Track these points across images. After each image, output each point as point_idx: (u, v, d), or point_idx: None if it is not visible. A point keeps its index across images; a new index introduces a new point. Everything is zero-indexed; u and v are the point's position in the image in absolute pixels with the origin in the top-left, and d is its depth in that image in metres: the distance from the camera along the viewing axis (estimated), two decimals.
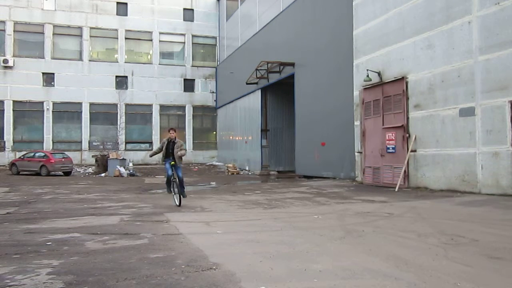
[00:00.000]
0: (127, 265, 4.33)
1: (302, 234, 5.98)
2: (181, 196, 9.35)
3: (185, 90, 34.27)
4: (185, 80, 34.34)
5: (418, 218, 7.32)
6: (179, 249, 5.06)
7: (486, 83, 10.25)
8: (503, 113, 9.85)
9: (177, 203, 9.31)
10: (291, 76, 20.57)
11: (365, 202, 9.71)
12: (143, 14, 33.32)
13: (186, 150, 9.63)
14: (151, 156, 10.56)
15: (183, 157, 9.66)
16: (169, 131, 9.72)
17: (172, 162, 9.46)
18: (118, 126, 30.25)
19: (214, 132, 35.15)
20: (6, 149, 30.13)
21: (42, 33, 31.23)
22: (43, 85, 31.09)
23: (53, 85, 31.29)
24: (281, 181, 17.91)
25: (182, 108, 34.19)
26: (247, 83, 24.41)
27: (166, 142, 9.67)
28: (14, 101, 30.47)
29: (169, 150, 9.59)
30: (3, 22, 30.41)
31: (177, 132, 10.04)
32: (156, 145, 33.58)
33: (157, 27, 33.61)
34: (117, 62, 32.81)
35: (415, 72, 12.41)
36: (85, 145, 31.67)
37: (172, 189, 9.70)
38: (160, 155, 10.00)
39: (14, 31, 30.67)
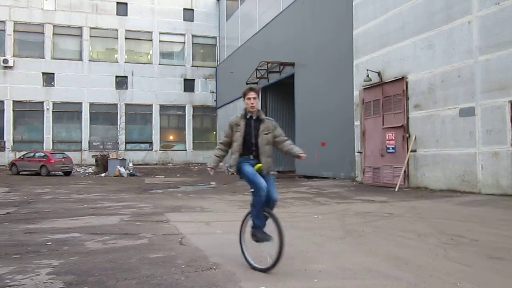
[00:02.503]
0: (127, 265, 4.33)
1: (302, 234, 5.98)
2: (281, 246, 3.91)
3: (185, 90, 34.29)
4: (185, 80, 34.36)
5: (418, 218, 7.32)
6: (179, 249, 5.06)
7: (486, 83, 10.25)
8: (503, 113, 9.85)
9: (261, 266, 4.11)
10: (291, 76, 20.56)
11: (365, 202, 9.71)
12: (143, 14, 33.34)
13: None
14: (214, 166, 4.47)
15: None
16: (244, 96, 4.42)
17: (259, 165, 4.27)
18: (118, 126, 30.26)
19: (214, 132, 35.15)
20: (6, 149, 30.14)
21: (42, 33, 31.24)
22: (43, 85, 31.10)
23: (53, 85, 31.31)
24: (281, 181, 17.91)
25: (182, 108, 34.20)
26: (247, 83, 24.36)
27: (242, 123, 4.37)
28: (14, 101, 30.49)
29: (250, 139, 4.32)
30: (3, 22, 30.42)
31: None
32: (156, 145, 33.57)
33: (157, 27, 33.63)
34: (117, 62, 32.83)
35: (415, 72, 12.41)
36: (85, 145, 31.67)
37: (258, 232, 4.20)
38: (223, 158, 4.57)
39: (14, 31, 30.69)
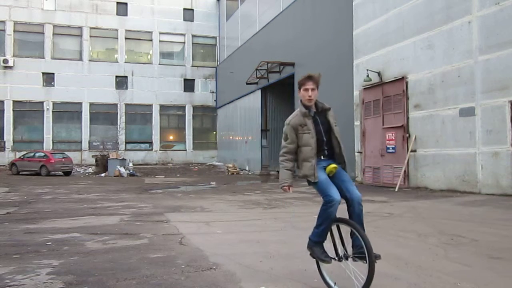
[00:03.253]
0: (127, 265, 4.33)
1: (302, 234, 5.94)
2: (371, 265, 3.12)
3: (185, 90, 34.28)
4: (185, 80, 34.34)
5: (418, 218, 7.32)
6: (179, 249, 5.06)
7: (486, 83, 10.25)
8: (503, 113, 9.85)
9: None
10: (291, 76, 20.55)
11: (365, 202, 9.60)
12: (143, 14, 33.32)
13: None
14: (292, 182, 3.61)
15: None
16: (301, 86, 3.68)
17: (333, 165, 3.60)
18: (118, 126, 30.24)
19: (214, 132, 35.15)
20: (6, 149, 30.13)
21: (42, 33, 31.22)
22: (43, 85, 31.09)
23: (53, 85, 31.29)
24: None
25: (182, 108, 34.19)
26: (247, 83, 24.40)
27: (309, 122, 3.60)
28: (14, 101, 30.47)
29: (321, 137, 3.63)
30: (3, 22, 30.40)
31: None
32: (156, 145, 33.54)
33: (157, 27, 33.61)
34: (117, 62, 32.81)
35: (415, 72, 12.41)
36: (85, 145, 31.66)
37: (336, 249, 3.48)
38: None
39: (14, 31, 30.67)
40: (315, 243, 3.50)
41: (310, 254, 3.57)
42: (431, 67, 11.83)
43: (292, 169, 3.60)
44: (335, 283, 3.47)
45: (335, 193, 3.42)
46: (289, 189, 3.60)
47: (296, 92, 18.36)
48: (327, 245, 3.50)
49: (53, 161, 23.56)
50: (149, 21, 33.40)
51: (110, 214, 8.34)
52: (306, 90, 3.63)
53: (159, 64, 33.73)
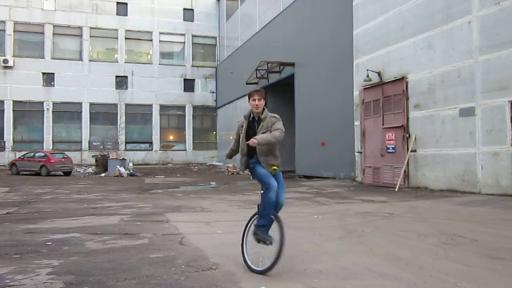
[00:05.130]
0: (127, 265, 4.33)
1: (302, 234, 5.98)
2: (281, 249, 3.89)
3: (185, 90, 34.29)
4: (185, 80, 34.36)
5: (418, 218, 7.32)
6: (179, 249, 5.06)
7: (486, 83, 10.25)
8: (503, 113, 9.85)
9: (259, 268, 4.08)
10: (291, 76, 20.57)
11: (365, 202, 9.71)
12: (143, 14, 33.33)
13: (283, 130, 4.25)
14: (229, 157, 4.82)
15: (275, 151, 4.29)
16: (249, 97, 4.35)
17: (273, 168, 4.26)
18: (118, 126, 30.25)
19: (214, 132, 35.16)
20: (6, 149, 30.13)
21: (42, 33, 31.23)
22: (43, 85, 31.10)
23: (53, 85, 31.30)
24: None
25: (182, 108, 34.20)
26: (247, 83, 24.39)
27: (245, 125, 4.40)
28: (14, 101, 30.48)
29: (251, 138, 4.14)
30: (3, 22, 30.42)
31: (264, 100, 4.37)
32: (156, 145, 33.58)
33: (157, 27, 33.63)
34: (117, 62, 32.82)
35: (415, 72, 12.41)
36: (85, 145, 31.67)
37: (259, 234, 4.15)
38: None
39: (14, 31, 30.68)
40: (261, 226, 4.15)
41: (256, 239, 4.15)
42: (431, 67, 11.83)
43: (233, 150, 4.69)
44: (257, 265, 4.14)
45: (273, 181, 4.15)
46: (225, 158, 4.95)
47: (296, 92, 18.36)
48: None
49: (53, 161, 23.56)
50: (149, 21, 33.41)
51: (110, 214, 8.34)
52: (254, 100, 4.35)
53: (159, 64, 33.74)
